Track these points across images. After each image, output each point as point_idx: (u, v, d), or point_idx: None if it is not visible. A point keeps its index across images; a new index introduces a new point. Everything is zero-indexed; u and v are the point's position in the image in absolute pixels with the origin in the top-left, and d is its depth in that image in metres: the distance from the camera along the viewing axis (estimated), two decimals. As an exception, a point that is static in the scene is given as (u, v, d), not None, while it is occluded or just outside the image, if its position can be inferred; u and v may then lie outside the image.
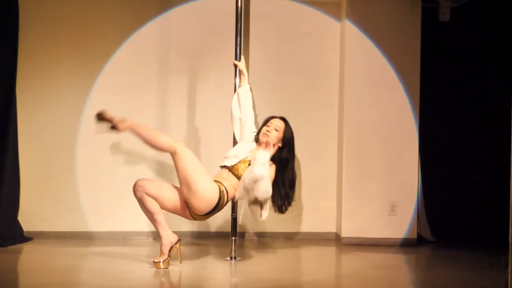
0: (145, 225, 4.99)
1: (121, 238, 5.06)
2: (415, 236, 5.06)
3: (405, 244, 4.99)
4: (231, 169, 4.06)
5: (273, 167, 4.10)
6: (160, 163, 5.16)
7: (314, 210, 5.24)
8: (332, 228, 5.26)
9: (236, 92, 4.39)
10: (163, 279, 3.77)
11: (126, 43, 5.14)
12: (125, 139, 5.11)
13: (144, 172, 5.04)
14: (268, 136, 4.14)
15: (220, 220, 5.01)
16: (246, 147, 4.19)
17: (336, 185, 5.26)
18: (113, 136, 5.08)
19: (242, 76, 4.42)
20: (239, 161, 4.07)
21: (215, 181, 4.01)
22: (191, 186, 3.86)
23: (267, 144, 4.14)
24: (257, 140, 4.23)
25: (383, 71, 5.06)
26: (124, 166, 5.11)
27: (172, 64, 5.20)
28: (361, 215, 5.04)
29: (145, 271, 3.91)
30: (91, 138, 5.09)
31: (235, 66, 4.45)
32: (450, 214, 5.29)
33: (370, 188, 5.05)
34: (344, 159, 5.08)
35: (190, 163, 3.88)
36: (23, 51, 5.01)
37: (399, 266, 4.39)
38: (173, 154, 3.91)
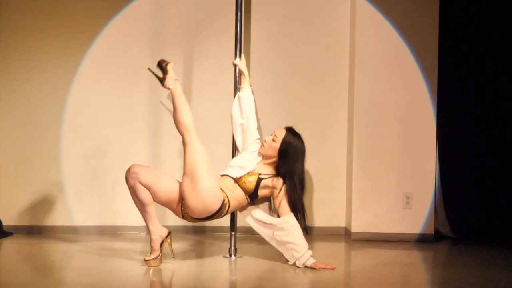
0: (136, 219, 4.95)
1: (110, 233, 5.04)
2: (432, 231, 5.03)
3: (421, 240, 4.96)
4: (237, 180, 4.00)
5: (280, 181, 4.01)
6: (154, 152, 5.10)
7: (321, 202, 5.20)
8: (341, 223, 5.23)
9: (237, 95, 4.30)
10: (155, 278, 3.72)
11: (114, 20, 5.09)
12: (116, 125, 5.05)
13: (133, 162, 4.97)
14: (263, 146, 4.08)
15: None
16: (251, 158, 4.11)
17: (346, 175, 5.22)
18: (101, 121, 5.05)
19: (242, 78, 4.31)
20: (247, 173, 4.00)
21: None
22: (196, 183, 3.79)
23: (264, 157, 4.09)
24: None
25: (397, 50, 5.00)
26: (113, 155, 5.08)
27: (165, 43, 5.14)
28: (373, 208, 4.99)
29: (136, 269, 3.85)
30: (77, 125, 5.09)
31: (235, 66, 4.35)
32: (471, 208, 5.23)
33: (383, 179, 5.00)
34: (354, 147, 5.02)
35: (201, 158, 3.83)
36: (1, 32, 4.96)
37: (414, 264, 4.34)
38: (186, 141, 3.85)
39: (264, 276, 3.82)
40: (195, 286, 3.58)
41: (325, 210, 5.21)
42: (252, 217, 4.07)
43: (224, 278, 3.82)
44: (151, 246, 3.93)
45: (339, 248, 4.80)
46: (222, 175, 4.05)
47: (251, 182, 3.97)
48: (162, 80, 3.99)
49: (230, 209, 3.97)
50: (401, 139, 5.00)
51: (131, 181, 3.85)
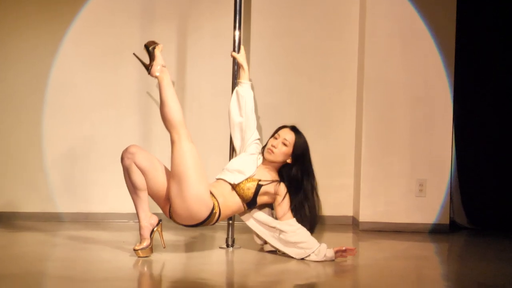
0: (123, 206, 4.95)
1: (95, 220, 5.05)
2: (448, 221, 5.03)
3: (436, 231, 4.96)
4: (235, 187, 3.97)
5: (283, 187, 4.01)
6: (144, 137, 5.10)
7: (328, 190, 5.19)
8: (348, 212, 5.23)
9: (235, 91, 4.27)
10: (144, 270, 3.70)
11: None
12: (101, 106, 5.03)
13: (120, 144, 4.97)
14: (273, 152, 4.04)
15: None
16: (251, 161, 4.08)
17: (354, 160, 5.21)
18: (85, 103, 5.02)
19: (241, 71, 4.29)
20: (246, 179, 3.97)
21: (210, 192, 3.90)
22: (183, 189, 3.77)
23: (272, 162, 4.07)
24: (263, 153, 4.15)
25: (411, 24, 4.98)
26: (99, 139, 5.08)
27: (156, 15, 5.11)
28: (383, 196, 4.99)
29: (124, 260, 3.84)
30: (61, 106, 5.07)
31: (233, 58, 4.31)
32: (490, 196, 5.23)
33: (394, 164, 4.99)
34: (363, 129, 5.01)
35: (191, 160, 3.78)
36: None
37: (427, 256, 4.34)
38: (174, 140, 3.82)
39: (264, 269, 3.81)
40: (188, 279, 3.56)
41: (331, 198, 5.20)
42: (255, 219, 4.05)
43: (221, 271, 3.80)
44: (141, 235, 3.90)
45: (346, 239, 4.79)
46: (218, 179, 4.02)
47: (249, 189, 3.95)
48: (148, 67, 3.91)
49: (221, 217, 3.95)
50: (415, 121, 4.98)
51: (127, 161, 3.83)
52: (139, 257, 3.85)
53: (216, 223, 3.96)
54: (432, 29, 4.96)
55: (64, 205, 5.03)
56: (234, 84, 4.30)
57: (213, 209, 3.84)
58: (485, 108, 5.24)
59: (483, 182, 5.23)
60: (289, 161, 4.04)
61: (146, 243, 3.88)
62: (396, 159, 4.98)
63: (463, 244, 4.82)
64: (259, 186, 3.96)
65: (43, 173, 5.03)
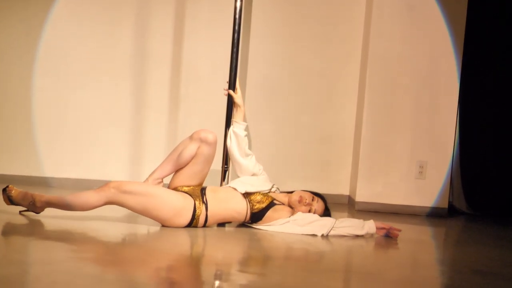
0: (114, 173, 4.94)
1: (84, 187, 5.00)
2: (446, 205, 5.05)
3: (434, 215, 4.98)
4: (246, 196, 4.01)
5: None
6: (139, 100, 5.07)
7: (324, 167, 5.20)
8: (345, 191, 5.26)
9: (231, 132, 4.28)
10: (132, 239, 3.72)
11: None
12: (95, 67, 4.99)
13: (113, 112, 4.96)
14: (297, 207, 4.07)
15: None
16: (266, 184, 4.15)
17: (354, 138, 5.21)
18: (79, 63, 5.00)
19: (238, 112, 4.29)
20: (258, 192, 4.04)
21: (202, 192, 3.95)
22: (157, 218, 3.87)
23: (290, 206, 4.11)
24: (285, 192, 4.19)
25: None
26: (91, 104, 5.07)
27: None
28: (381, 176, 5.02)
29: (112, 229, 3.85)
30: (51, 69, 5.05)
31: (228, 96, 4.33)
32: (491, 182, 5.27)
33: (395, 144, 5.01)
34: (365, 106, 5.01)
35: (138, 198, 3.79)
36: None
37: (424, 240, 4.35)
38: (112, 202, 3.82)
39: (254, 247, 3.81)
40: (180, 252, 3.59)
41: (327, 176, 5.21)
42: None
43: (210, 247, 3.81)
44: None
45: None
46: (228, 186, 4.08)
47: (262, 203, 4.00)
48: (33, 211, 3.93)
49: (212, 220, 3.98)
50: (419, 100, 4.98)
51: (197, 141, 3.94)
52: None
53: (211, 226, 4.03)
54: (441, 5, 4.94)
55: (51, 170, 5.04)
56: (234, 80, 4.33)
57: (194, 214, 3.89)
58: (493, 91, 5.23)
59: (485, 167, 5.25)
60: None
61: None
62: (397, 139, 4.99)
63: (461, 229, 4.83)
64: (272, 204, 4.01)
65: (32, 137, 5.02)
